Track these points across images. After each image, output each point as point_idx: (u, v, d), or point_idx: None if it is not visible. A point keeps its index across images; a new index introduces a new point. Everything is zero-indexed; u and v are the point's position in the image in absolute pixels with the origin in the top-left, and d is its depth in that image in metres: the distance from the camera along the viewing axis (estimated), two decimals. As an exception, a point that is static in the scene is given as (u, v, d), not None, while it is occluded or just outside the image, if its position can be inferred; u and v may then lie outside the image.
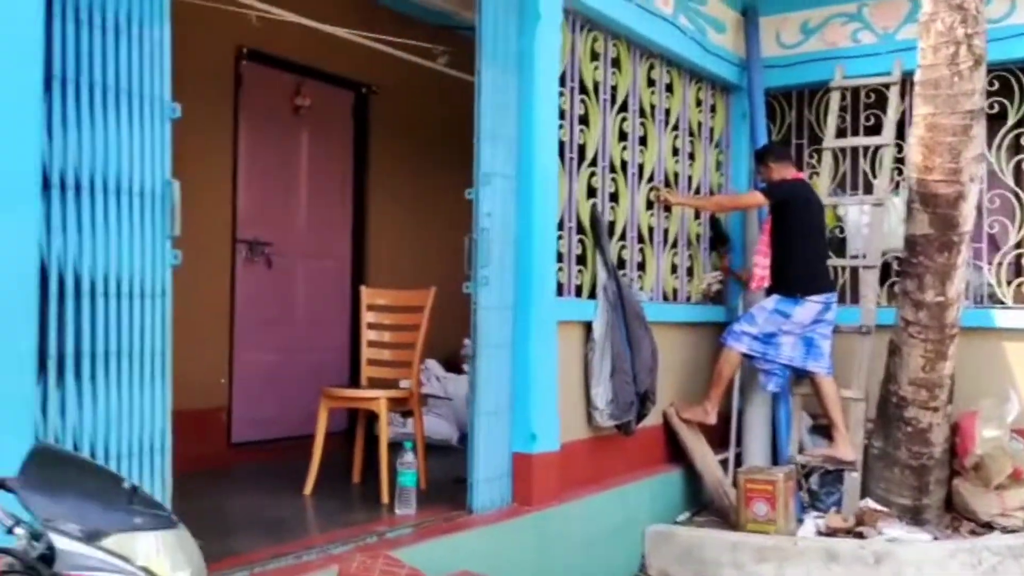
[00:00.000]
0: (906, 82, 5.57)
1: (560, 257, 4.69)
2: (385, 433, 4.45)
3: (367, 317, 4.92)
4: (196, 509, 2.69)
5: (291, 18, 5.27)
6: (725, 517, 5.25)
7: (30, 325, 2.41)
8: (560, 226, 4.68)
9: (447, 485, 4.53)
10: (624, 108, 5.28)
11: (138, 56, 2.70)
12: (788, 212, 5.27)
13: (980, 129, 4.72)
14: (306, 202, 6.20)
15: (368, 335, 4.91)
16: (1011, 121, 5.71)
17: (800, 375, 5.44)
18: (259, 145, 5.80)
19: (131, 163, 2.69)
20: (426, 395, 5.98)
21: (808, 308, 5.21)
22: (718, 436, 5.70)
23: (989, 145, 5.43)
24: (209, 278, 5.31)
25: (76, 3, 2.56)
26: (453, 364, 6.57)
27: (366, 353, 4.90)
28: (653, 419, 5.22)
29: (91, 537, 1.63)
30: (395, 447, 4.44)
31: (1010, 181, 5.77)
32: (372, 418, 4.63)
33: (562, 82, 4.68)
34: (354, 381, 6.18)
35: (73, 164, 2.56)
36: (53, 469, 1.74)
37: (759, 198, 5.47)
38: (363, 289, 5.04)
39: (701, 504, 5.49)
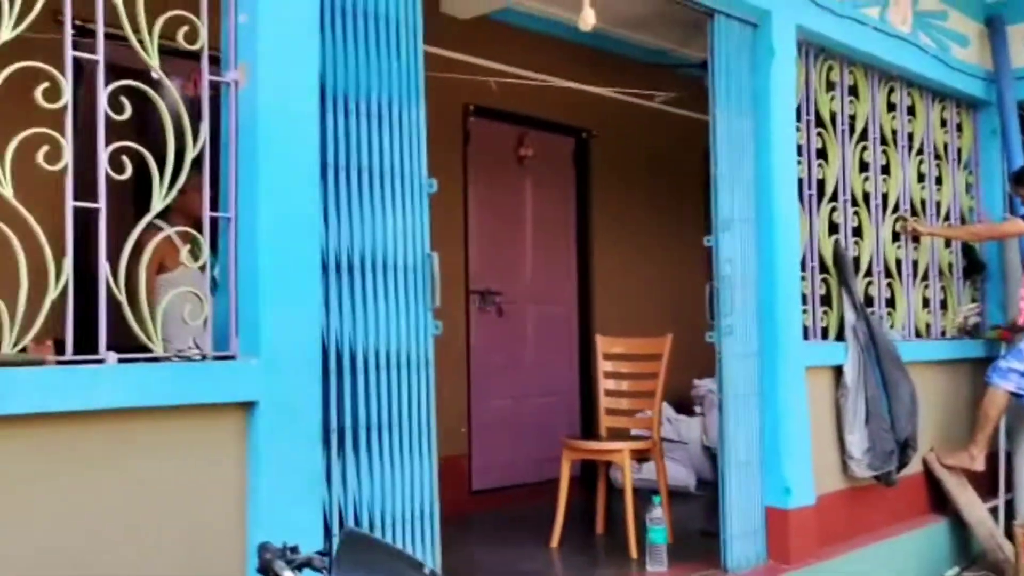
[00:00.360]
0: None
1: (804, 299, 4.48)
2: (629, 485, 4.40)
3: (604, 366, 4.90)
4: (455, 564, 2.74)
5: (520, 76, 5.40)
6: (1000, 573, 4.81)
7: (316, 401, 2.54)
8: (802, 266, 4.48)
9: (694, 538, 4.42)
10: (864, 137, 5.01)
11: (398, 138, 2.82)
12: None
13: None
14: (532, 249, 6.29)
15: (606, 384, 4.88)
16: None
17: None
18: (486, 197, 5.96)
19: (395, 240, 2.81)
20: (662, 440, 5.89)
21: (1081, 345, 4.73)
22: (985, 482, 5.24)
23: None
24: (449, 330, 5.43)
25: (345, 94, 2.70)
26: (683, 406, 6.44)
27: (604, 402, 4.88)
28: (913, 466, 4.86)
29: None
30: (636, 493, 4.40)
31: None
32: (609, 464, 4.59)
33: (798, 116, 4.50)
34: (587, 427, 6.21)
35: (346, 245, 2.70)
36: (362, 554, 1.80)
37: (1021, 226, 5.02)
38: (598, 338, 5.02)
39: (971, 558, 5.07)
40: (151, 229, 2.33)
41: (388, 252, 2.80)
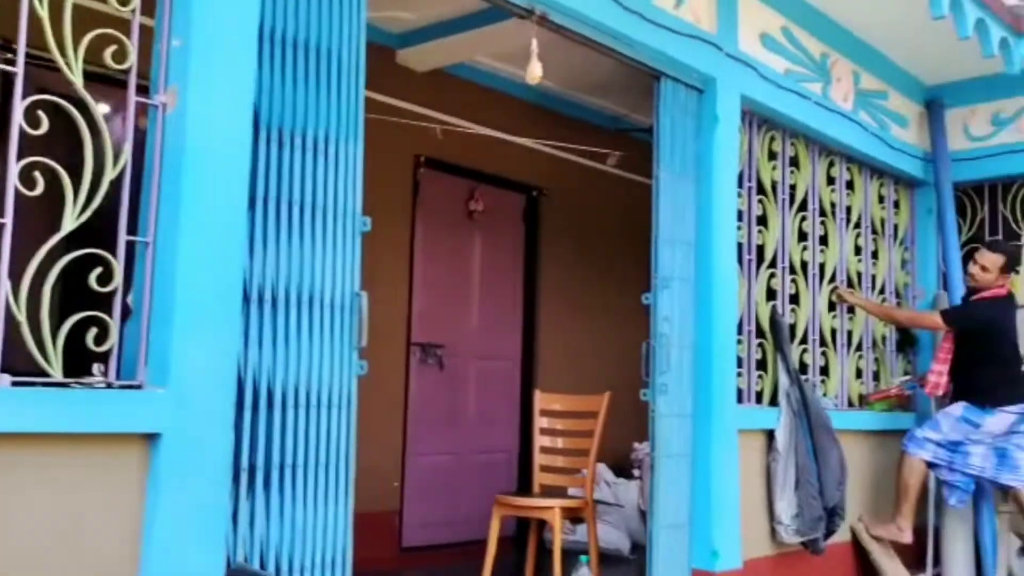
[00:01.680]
0: (1116, 174, 5.16)
1: (739, 362, 4.51)
2: (559, 544, 4.32)
3: (540, 422, 4.86)
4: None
5: (473, 129, 5.45)
6: (926, 647, 4.79)
7: (227, 436, 2.47)
8: (739, 330, 4.52)
9: (622, 601, 4.35)
10: (803, 207, 5.11)
11: (334, 174, 2.80)
12: (973, 335, 4.91)
13: None
14: (478, 304, 6.28)
15: (541, 441, 4.83)
16: None
17: (1000, 489, 4.98)
18: (434, 249, 5.95)
19: (323, 276, 2.77)
20: (596, 502, 5.83)
21: (1000, 419, 4.80)
22: (913, 555, 5.24)
23: None
24: (385, 381, 5.41)
25: (280, 126, 2.69)
26: (623, 469, 6.39)
27: (539, 459, 4.82)
28: (842, 535, 4.86)
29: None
30: (566, 555, 4.32)
31: None
32: (542, 523, 4.53)
33: (739, 182, 4.58)
34: (523, 485, 6.13)
35: (271, 278, 2.66)
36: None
37: (938, 321, 5.11)
38: (537, 393, 4.99)
39: (897, 632, 5.04)
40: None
41: (316, 288, 2.76)
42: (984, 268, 4.93)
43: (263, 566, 2.60)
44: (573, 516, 4.75)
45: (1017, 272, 5.26)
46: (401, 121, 5.05)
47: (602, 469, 6.27)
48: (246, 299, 2.59)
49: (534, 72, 3.51)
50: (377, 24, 5.20)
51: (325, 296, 2.78)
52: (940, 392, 5.04)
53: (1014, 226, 5.81)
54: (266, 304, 2.64)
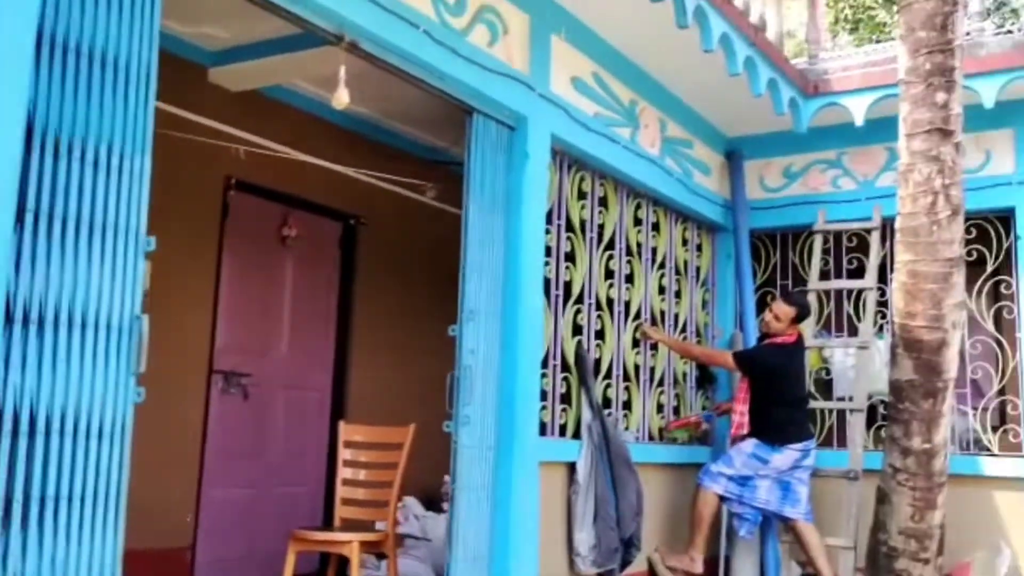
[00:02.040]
0: (886, 227, 5.62)
1: (544, 395, 4.59)
2: (356, 578, 4.24)
3: (344, 454, 4.77)
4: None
5: (285, 153, 5.33)
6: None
7: (-22, 466, 2.28)
8: (545, 364, 4.61)
9: (420, 636, 4.29)
10: (611, 246, 5.30)
11: (116, 189, 2.66)
12: (760, 378, 5.24)
13: (960, 277, 4.72)
14: (288, 332, 6.11)
15: (344, 473, 4.75)
16: (989, 268, 5.76)
17: (782, 521, 5.29)
18: (243, 275, 5.75)
19: (99, 297, 2.62)
20: (403, 535, 5.76)
21: (787, 455, 5.13)
22: (705, 585, 5.46)
23: (969, 292, 5.45)
24: (180, 410, 5.16)
25: (57, 135, 2.54)
26: (433, 502, 6.35)
27: (341, 492, 4.73)
28: (638, 565, 5.01)
29: None
30: (367, 593, 4.25)
31: (991, 327, 5.77)
32: (345, 561, 4.43)
33: (549, 219, 4.70)
34: (328, 520, 5.98)
35: (39, 296, 2.49)
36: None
37: (729, 361, 5.44)
38: (341, 425, 4.90)
39: (687, 658, 5.22)
40: None
41: (90, 309, 2.60)
42: (777, 317, 5.28)
43: (17, 608, 2.40)
44: (375, 551, 4.68)
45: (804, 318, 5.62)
46: (208, 141, 4.88)
47: (411, 502, 6.21)
48: (8, 318, 2.41)
49: (341, 98, 3.48)
50: (189, 40, 5.04)
51: (101, 318, 2.63)
52: (744, 431, 5.30)
53: (802, 272, 6.22)
54: (32, 324, 2.47)
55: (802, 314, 5.34)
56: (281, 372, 6.01)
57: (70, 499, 2.51)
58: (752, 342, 5.86)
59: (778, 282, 6.37)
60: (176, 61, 4.95)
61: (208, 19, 4.79)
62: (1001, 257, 5.75)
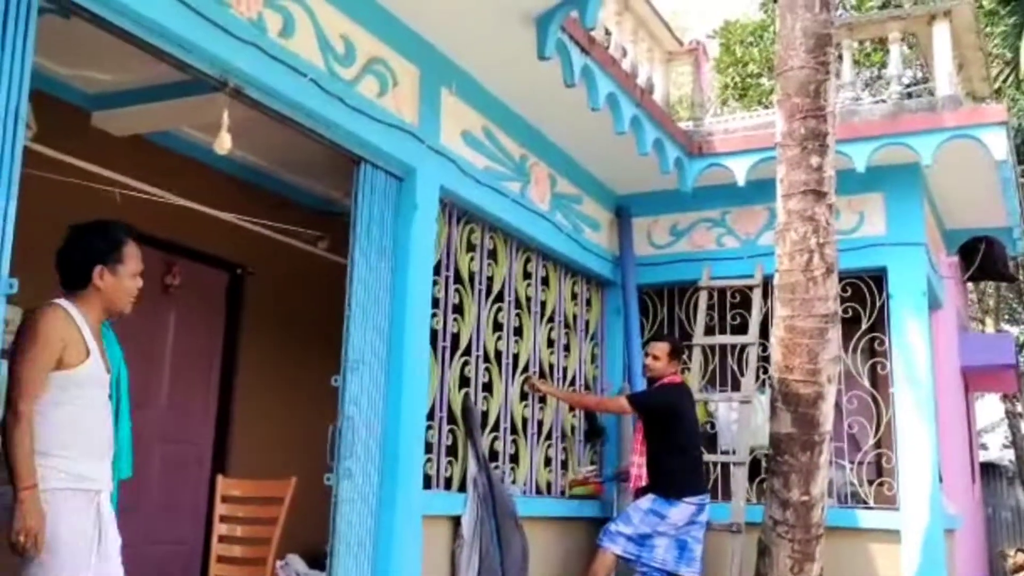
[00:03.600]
0: (768, 284, 5.81)
1: (430, 448, 4.55)
2: (229, 640, 4.07)
3: (220, 509, 4.61)
4: None
5: (168, 199, 5.20)
6: None
7: None
8: (431, 416, 4.57)
9: None
10: (500, 299, 5.33)
11: (-26, 229, 2.55)
12: (657, 420, 5.31)
13: (835, 332, 4.90)
14: (168, 384, 5.90)
15: (220, 529, 4.58)
16: (864, 326, 6.01)
17: (670, 578, 5.33)
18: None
19: (-47, 340, 2.49)
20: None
21: (683, 509, 5.17)
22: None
23: (845, 348, 5.66)
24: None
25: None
26: (317, 560, 6.16)
27: (216, 549, 4.55)
28: (523, 623, 4.95)
29: None
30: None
31: (866, 383, 6.00)
32: (219, 622, 4.25)
33: (437, 271, 4.70)
34: (206, 579, 5.74)
35: None
36: None
37: (624, 406, 5.50)
38: (219, 479, 4.74)
39: None
40: None
41: (-59, 354, 2.47)
42: (655, 357, 5.40)
43: None
44: (252, 611, 4.50)
45: (682, 360, 5.72)
46: (89, 184, 4.73)
47: (293, 559, 6.01)
48: None
49: (223, 143, 3.44)
50: (71, 83, 4.91)
51: (-46, 362, 2.49)
52: (643, 483, 5.33)
53: (687, 327, 6.37)
54: None
55: (675, 347, 5.49)
56: (158, 425, 5.78)
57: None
58: (641, 394, 5.93)
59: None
60: (58, 104, 4.81)
61: (87, 61, 4.67)
62: (875, 315, 6.00)
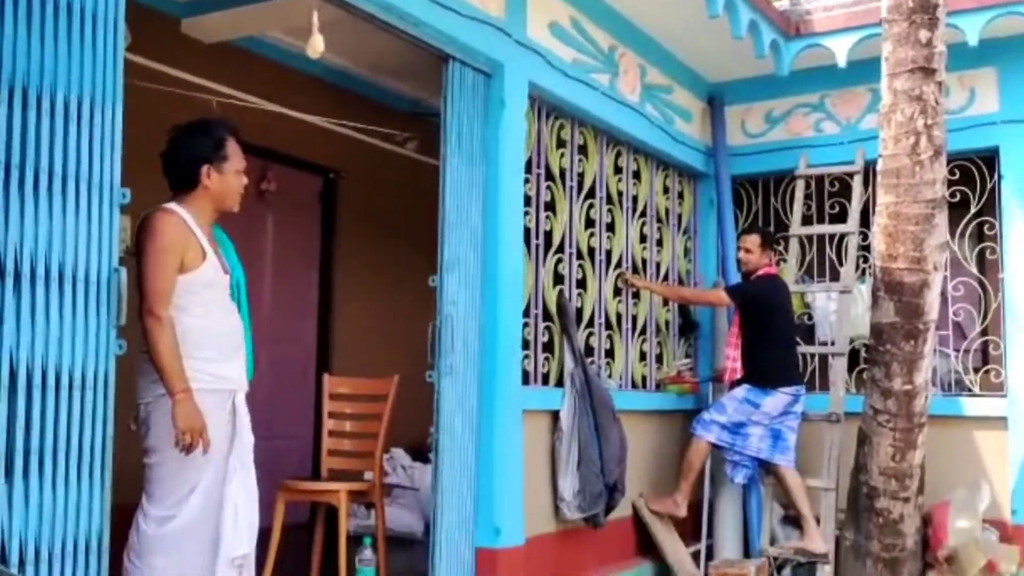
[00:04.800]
0: (869, 171, 5.62)
1: (526, 344, 4.61)
2: (344, 527, 4.28)
3: (329, 406, 4.79)
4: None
5: (262, 106, 5.26)
6: (697, 613, 5.08)
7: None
8: (526, 313, 4.62)
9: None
10: (591, 195, 5.28)
11: (88, 141, 2.63)
12: (753, 311, 5.27)
13: (942, 218, 4.74)
14: (271, 287, 6.10)
15: (329, 424, 4.77)
16: (973, 210, 5.77)
17: (766, 466, 5.36)
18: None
19: (76, 250, 2.60)
20: (391, 485, 5.81)
21: (778, 399, 5.16)
22: (689, 527, 5.55)
23: (952, 234, 5.47)
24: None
25: (25, 86, 2.49)
26: (420, 453, 6.40)
27: (327, 443, 4.75)
28: (623, 510, 5.08)
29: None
30: (358, 541, 4.29)
31: (974, 269, 5.81)
32: (334, 511, 4.47)
33: (528, 169, 4.68)
34: (316, 471, 6.02)
35: (14, 251, 2.46)
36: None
37: (723, 297, 5.46)
38: (326, 377, 4.91)
39: (673, 599, 5.32)
40: None
41: (68, 263, 2.58)
42: (747, 250, 5.37)
43: (4, 557, 2.42)
44: (363, 500, 4.72)
45: (776, 251, 5.64)
46: (182, 93, 4.81)
47: (398, 453, 6.27)
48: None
49: (315, 46, 3.45)
50: (159, -10, 4.95)
51: (79, 271, 2.61)
52: (738, 375, 5.34)
53: (783, 217, 6.22)
54: (8, 278, 2.45)
55: (766, 239, 5.45)
56: (264, 326, 5.97)
57: (55, 451, 2.51)
58: (735, 287, 5.87)
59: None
60: (148, 13, 4.85)
61: (179, -32, 4.70)
62: (984, 198, 5.75)
